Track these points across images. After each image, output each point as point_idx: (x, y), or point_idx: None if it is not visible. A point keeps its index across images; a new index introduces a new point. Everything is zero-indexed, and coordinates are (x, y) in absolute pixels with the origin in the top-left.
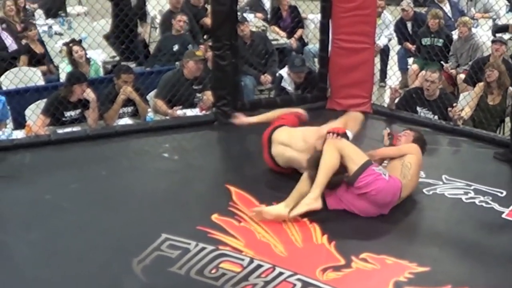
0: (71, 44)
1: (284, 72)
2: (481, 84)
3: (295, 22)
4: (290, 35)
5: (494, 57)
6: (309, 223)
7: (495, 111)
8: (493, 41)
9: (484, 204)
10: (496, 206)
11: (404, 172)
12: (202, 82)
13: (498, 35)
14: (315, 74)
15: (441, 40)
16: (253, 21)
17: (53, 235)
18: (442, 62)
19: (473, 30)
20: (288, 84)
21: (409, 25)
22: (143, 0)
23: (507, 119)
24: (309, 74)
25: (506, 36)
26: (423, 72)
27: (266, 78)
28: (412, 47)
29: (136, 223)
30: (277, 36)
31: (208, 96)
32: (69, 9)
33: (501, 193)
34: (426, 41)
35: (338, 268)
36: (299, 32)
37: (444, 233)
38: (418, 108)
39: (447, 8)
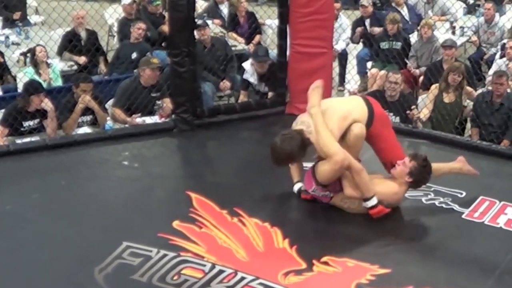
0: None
1: (246, 64)
2: (436, 85)
3: (253, 28)
4: (248, 41)
5: (446, 62)
6: (270, 227)
7: (451, 108)
8: (443, 46)
9: (444, 205)
10: (456, 207)
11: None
12: (161, 90)
13: (448, 38)
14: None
15: (399, 43)
16: (211, 28)
17: (15, 245)
18: (400, 65)
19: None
20: (250, 76)
21: (367, 24)
22: (95, 35)
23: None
24: (272, 65)
25: (458, 41)
26: (382, 72)
27: (225, 84)
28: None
29: (97, 231)
30: (235, 42)
31: (167, 103)
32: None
33: (461, 194)
34: (384, 44)
35: (299, 272)
36: (257, 37)
37: (405, 234)
38: None
39: (404, 11)
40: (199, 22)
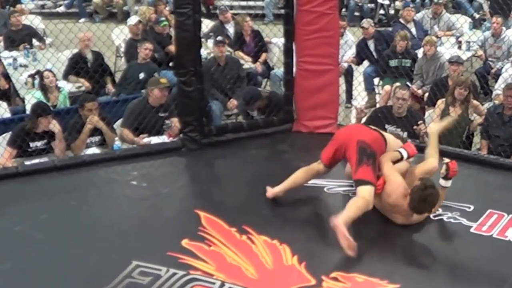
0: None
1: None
2: (442, 99)
3: (259, 46)
4: (254, 59)
5: (452, 77)
6: (279, 245)
7: (458, 123)
8: (450, 62)
9: (452, 220)
10: (464, 221)
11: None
12: (168, 109)
13: (454, 55)
14: (280, 97)
15: (408, 61)
16: None
17: (25, 266)
18: (408, 83)
19: (438, 48)
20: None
21: (371, 44)
22: (101, 56)
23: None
24: (273, 97)
25: (463, 56)
26: (388, 87)
27: (233, 103)
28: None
29: (106, 251)
30: (242, 61)
31: (175, 123)
32: (33, 40)
33: (469, 208)
34: (393, 62)
35: None
36: (263, 56)
37: (413, 250)
38: (387, 126)
39: (412, 28)
40: (218, 38)
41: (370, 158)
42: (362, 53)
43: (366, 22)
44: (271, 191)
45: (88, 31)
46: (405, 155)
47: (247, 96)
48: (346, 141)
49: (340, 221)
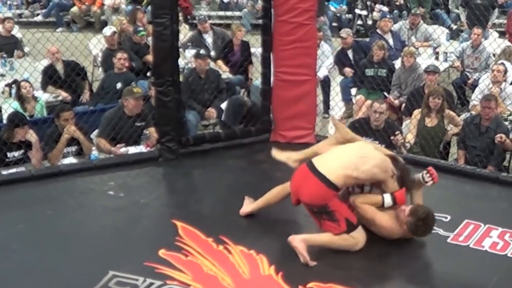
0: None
1: (225, 106)
2: (418, 110)
3: (245, 56)
4: (238, 69)
5: (428, 87)
6: (256, 255)
7: (434, 133)
8: (426, 71)
9: None
10: (441, 232)
11: None
12: (145, 119)
13: (431, 64)
14: (258, 107)
15: (384, 71)
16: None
17: (2, 276)
18: (384, 92)
19: (417, 59)
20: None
21: (350, 54)
22: (71, 67)
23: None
24: (251, 107)
25: (440, 66)
26: (368, 102)
27: (211, 112)
28: (350, 72)
29: (83, 261)
30: (220, 71)
31: (152, 132)
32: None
33: (446, 218)
34: (369, 71)
35: None
36: (249, 67)
37: (390, 260)
38: (365, 139)
39: (390, 38)
40: (201, 51)
41: (321, 214)
42: (340, 64)
43: (344, 32)
44: (244, 210)
45: (65, 40)
46: (388, 201)
47: (235, 104)
48: (296, 195)
49: (297, 239)
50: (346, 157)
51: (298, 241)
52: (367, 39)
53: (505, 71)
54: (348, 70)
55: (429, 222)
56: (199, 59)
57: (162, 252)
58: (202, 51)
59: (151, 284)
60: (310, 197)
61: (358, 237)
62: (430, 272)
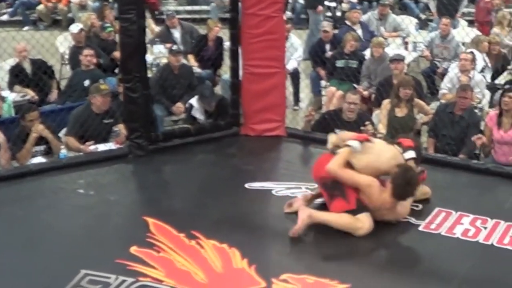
0: None
1: (194, 101)
2: (388, 100)
3: (218, 52)
4: (210, 64)
5: (396, 76)
6: (228, 248)
7: (404, 122)
8: (390, 60)
9: (400, 219)
10: (412, 220)
11: None
12: (114, 116)
13: (395, 54)
14: (227, 101)
15: (355, 62)
16: (162, 52)
17: None
18: (354, 84)
19: (385, 50)
20: (198, 113)
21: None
22: (39, 63)
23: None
24: (220, 101)
25: (409, 56)
26: (339, 92)
27: (179, 108)
28: (323, 72)
29: (54, 260)
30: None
31: (121, 129)
32: None
33: (417, 206)
34: (340, 63)
35: None
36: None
37: (363, 249)
38: (337, 131)
39: (359, 29)
40: (174, 47)
41: (333, 189)
42: (316, 56)
43: (327, 25)
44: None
45: (22, 42)
46: (355, 145)
47: (206, 90)
48: (318, 173)
49: (306, 212)
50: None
51: (305, 213)
52: (336, 31)
53: (473, 60)
54: (321, 72)
55: (414, 180)
56: (171, 55)
57: (133, 249)
58: (175, 47)
59: (124, 281)
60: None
61: (364, 221)
62: (402, 261)
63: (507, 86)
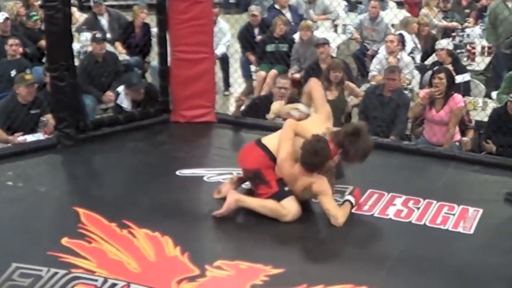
0: None
1: (121, 89)
2: None
3: (145, 38)
4: (138, 51)
5: (323, 60)
6: (161, 237)
7: (335, 105)
8: (316, 44)
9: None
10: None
11: None
12: (41, 106)
13: (321, 37)
14: (155, 89)
15: (285, 45)
16: (89, 40)
17: None
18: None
19: (315, 33)
20: (124, 102)
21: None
22: None
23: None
24: (149, 88)
25: (338, 39)
26: (273, 71)
27: (108, 96)
28: (253, 57)
29: None
30: (116, 52)
31: (50, 119)
32: None
33: (347, 188)
34: (270, 47)
35: (193, 278)
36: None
37: (296, 234)
38: (267, 115)
39: (287, 12)
40: (98, 35)
41: (255, 179)
42: (245, 41)
43: (255, 9)
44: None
45: None
46: (297, 111)
47: (135, 77)
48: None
49: (234, 196)
50: None
51: (232, 197)
52: (266, 16)
53: (399, 41)
54: (251, 57)
55: (323, 151)
56: (95, 43)
57: (65, 241)
58: (98, 35)
59: (56, 273)
60: (249, 162)
61: (289, 208)
62: (336, 244)
63: (436, 68)
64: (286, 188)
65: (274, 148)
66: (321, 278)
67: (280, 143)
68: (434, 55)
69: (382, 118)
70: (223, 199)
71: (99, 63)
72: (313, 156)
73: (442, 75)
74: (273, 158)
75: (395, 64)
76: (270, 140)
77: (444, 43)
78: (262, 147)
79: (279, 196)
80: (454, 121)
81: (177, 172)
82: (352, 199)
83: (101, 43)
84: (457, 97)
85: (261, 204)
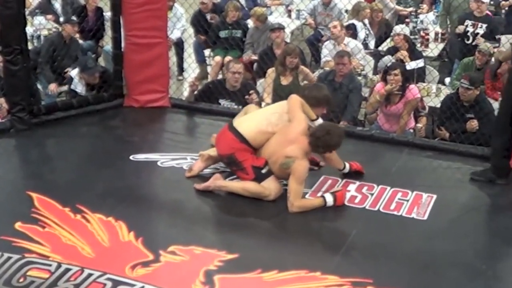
0: None
1: (74, 73)
2: (272, 68)
3: (99, 22)
4: (91, 35)
5: (277, 45)
6: (115, 222)
7: (289, 90)
8: (271, 29)
9: (287, 187)
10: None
11: None
12: None
13: (275, 22)
14: (110, 73)
15: (239, 31)
16: (43, 23)
17: None
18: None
19: (268, 18)
20: (78, 86)
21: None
22: None
23: None
24: (103, 73)
25: (292, 24)
26: (218, 58)
27: (52, 87)
28: (203, 38)
29: None
30: None
31: (2, 103)
32: None
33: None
34: (224, 33)
35: (147, 263)
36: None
37: (249, 220)
38: (221, 100)
39: None
40: (73, 18)
41: (231, 164)
42: (198, 26)
43: None
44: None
45: None
46: (329, 200)
47: (90, 61)
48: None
49: (217, 182)
50: (259, 115)
51: (215, 182)
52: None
53: (343, 27)
54: (201, 38)
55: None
56: (70, 25)
57: (18, 225)
58: (74, 18)
59: (9, 258)
60: (222, 148)
61: (270, 188)
62: (289, 230)
63: (389, 65)
64: (264, 170)
65: (245, 131)
66: (275, 263)
67: (295, 114)
68: (388, 40)
69: (334, 103)
70: (191, 179)
71: (65, 45)
72: (325, 135)
73: (397, 71)
74: (244, 141)
75: (344, 49)
76: (241, 123)
77: (399, 29)
78: (233, 131)
79: (259, 179)
80: (408, 110)
81: (131, 157)
82: (330, 199)
83: (75, 25)
84: (414, 89)
85: (243, 187)
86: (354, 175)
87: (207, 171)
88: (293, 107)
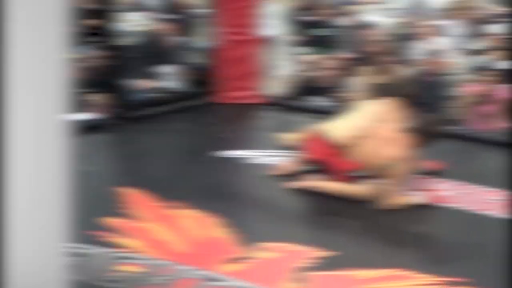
0: None
1: (167, 70)
2: (364, 67)
3: (193, 19)
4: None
5: (370, 42)
6: (207, 217)
7: (381, 88)
8: (364, 27)
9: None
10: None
11: None
12: None
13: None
14: (203, 69)
15: (333, 29)
16: (136, 20)
17: None
18: None
19: (361, 16)
20: (171, 82)
21: None
22: None
23: None
24: (196, 69)
25: None
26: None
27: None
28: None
29: None
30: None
31: (97, 99)
32: None
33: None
34: (317, 31)
35: (238, 259)
36: None
37: (342, 219)
38: (313, 98)
39: None
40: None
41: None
42: (292, 23)
43: None
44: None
45: None
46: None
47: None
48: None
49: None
50: (351, 118)
51: (309, 182)
52: None
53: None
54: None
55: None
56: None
57: (111, 220)
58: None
59: (102, 253)
60: (314, 152)
61: (364, 190)
62: (382, 228)
63: (482, 63)
64: (358, 173)
65: (337, 135)
66: (367, 262)
67: (389, 114)
68: (481, 40)
69: (425, 102)
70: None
71: (159, 41)
72: (425, 125)
73: (490, 71)
74: (336, 145)
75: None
76: (333, 127)
77: (494, 29)
78: (323, 135)
79: (353, 181)
80: (501, 110)
81: (222, 154)
82: (423, 198)
83: (169, 22)
84: (506, 89)
85: (337, 187)
86: (439, 174)
87: (298, 169)
88: (386, 107)
